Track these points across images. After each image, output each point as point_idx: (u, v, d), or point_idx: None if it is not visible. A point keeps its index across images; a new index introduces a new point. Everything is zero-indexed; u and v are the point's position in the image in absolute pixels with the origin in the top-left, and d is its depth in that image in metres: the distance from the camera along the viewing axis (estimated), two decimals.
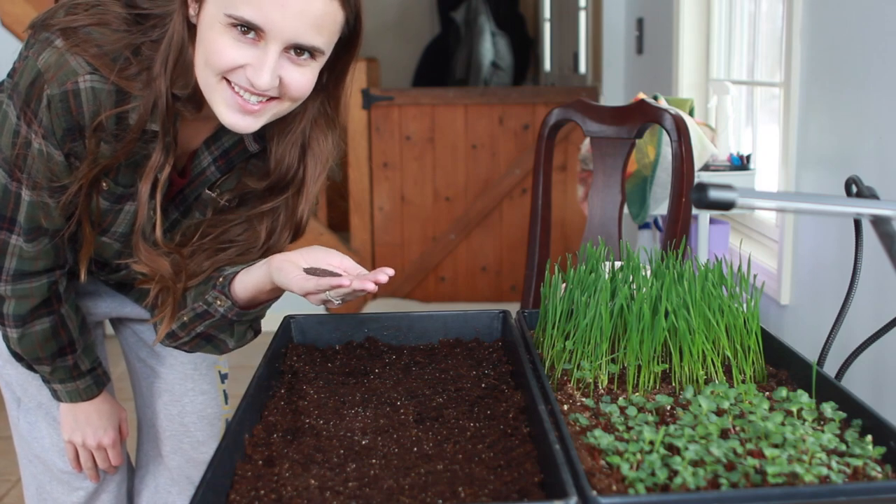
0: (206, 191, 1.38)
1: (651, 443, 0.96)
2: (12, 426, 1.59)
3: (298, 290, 1.20)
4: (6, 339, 1.43)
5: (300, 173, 1.35)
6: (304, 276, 1.19)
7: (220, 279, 1.30)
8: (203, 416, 1.65)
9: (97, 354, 1.52)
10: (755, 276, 1.27)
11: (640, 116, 2.00)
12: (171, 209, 1.38)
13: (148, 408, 1.67)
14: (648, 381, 1.17)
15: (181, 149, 1.34)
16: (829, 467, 0.91)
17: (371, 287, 1.17)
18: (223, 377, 1.69)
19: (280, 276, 1.21)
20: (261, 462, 1.00)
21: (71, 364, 1.46)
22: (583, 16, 5.40)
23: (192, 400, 1.64)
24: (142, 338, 1.65)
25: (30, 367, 1.47)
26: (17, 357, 1.45)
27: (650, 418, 1.04)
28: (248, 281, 1.27)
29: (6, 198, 1.30)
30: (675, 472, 0.90)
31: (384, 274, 1.17)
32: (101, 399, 1.53)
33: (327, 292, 1.19)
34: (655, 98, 2.56)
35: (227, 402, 1.69)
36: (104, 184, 1.31)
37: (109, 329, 1.71)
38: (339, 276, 1.18)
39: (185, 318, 1.32)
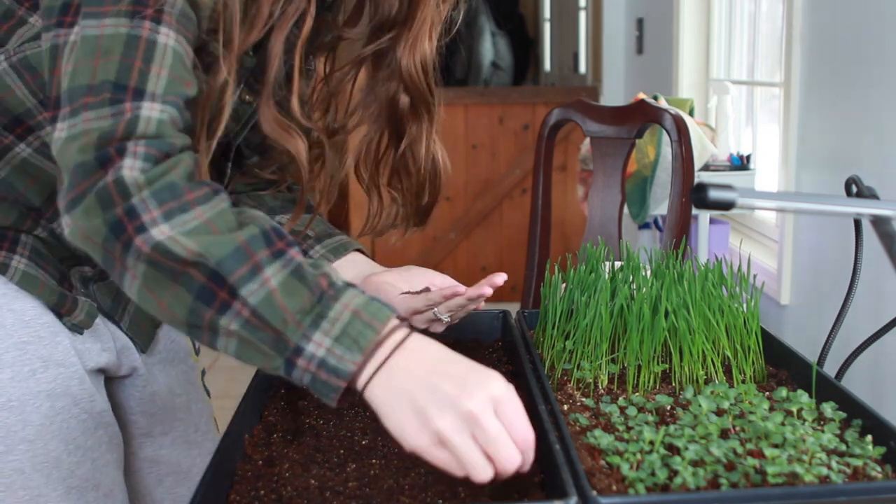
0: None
1: (651, 443, 0.96)
2: None
3: (405, 312, 1.11)
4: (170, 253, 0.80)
5: (403, 10, 1.10)
6: (408, 295, 1.13)
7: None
8: None
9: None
10: (755, 276, 1.27)
11: (640, 116, 2.00)
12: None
13: (147, 496, 1.28)
14: (648, 381, 1.17)
15: None
16: (829, 467, 0.91)
17: (487, 291, 1.09)
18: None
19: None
20: (261, 462, 1.00)
21: (297, 259, 0.83)
22: (583, 16, 5.40)
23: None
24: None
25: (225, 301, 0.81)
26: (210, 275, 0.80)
27: (650, 418, 1.04)
28: None
29: (130, 53, 0.82)
30: (675, 472, 0.90)
31: (500, 277, 1.10)
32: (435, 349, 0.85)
33: (435, 309, 1.11)
34: (655, 98, 2.56)
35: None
36: None
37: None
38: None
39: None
